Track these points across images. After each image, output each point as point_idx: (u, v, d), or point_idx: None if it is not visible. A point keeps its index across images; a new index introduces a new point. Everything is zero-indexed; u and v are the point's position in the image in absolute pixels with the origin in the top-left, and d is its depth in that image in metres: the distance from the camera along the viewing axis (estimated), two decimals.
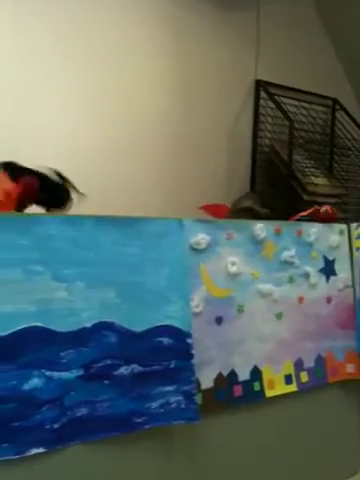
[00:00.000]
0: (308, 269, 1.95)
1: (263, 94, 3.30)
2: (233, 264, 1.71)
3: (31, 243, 1.35)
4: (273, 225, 1.87)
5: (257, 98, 3.30)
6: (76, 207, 1.77)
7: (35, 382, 1.34)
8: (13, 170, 1.55)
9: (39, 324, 1.35)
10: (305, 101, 3.48)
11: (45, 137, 2.39)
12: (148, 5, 2.79)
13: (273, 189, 3.07)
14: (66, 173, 1.81)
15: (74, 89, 2.52)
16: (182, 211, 1.98)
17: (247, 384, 1.73)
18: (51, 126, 2.43)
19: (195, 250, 1.64)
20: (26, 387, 1.32)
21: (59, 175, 1.74)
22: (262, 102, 3.29)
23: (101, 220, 1.48)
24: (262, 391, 1.76)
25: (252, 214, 2.25)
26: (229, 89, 3.14)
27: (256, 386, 1.75)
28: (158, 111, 2.82)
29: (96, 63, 2.59)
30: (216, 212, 2.35)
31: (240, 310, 1.73)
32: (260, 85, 3.29)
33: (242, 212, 2.31)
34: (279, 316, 1.85)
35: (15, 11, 2.34)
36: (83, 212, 1.54)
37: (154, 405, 1.50)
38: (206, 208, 2.44)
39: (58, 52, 2.46)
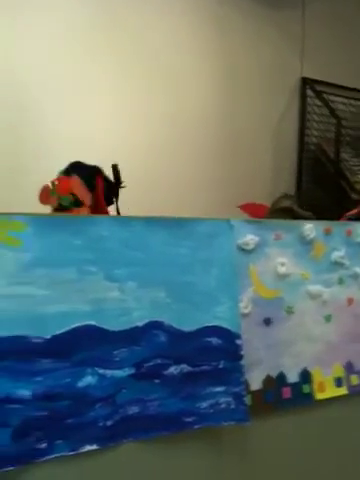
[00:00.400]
0: (358, 270, 1.91)
1: (309, 92, 3.26)
2: (282, 265, 1.70)
3: (85, 243, 1.38)
4: (323, 225, 1.84)
5: (303, 96, 3.26)
6: (125, 207, 1.79)
7: (89, 380, 1.37)
8: (83, 173, 1.54)
9: (93, 323, 1.38)
10: (352, 98, 3.41)
11: (92, 137, 2.44)
12: (193, 4, 2.81)
13: (320, 188, 3.02)
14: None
15: (120, 90, 2.56)
16: (228, 211, 1.98)
17: (296, 386, 1.71)
18: (98, 126, 2.48)
19: (243, 251, 1.64)
20: (80, 384, 1.36)
21: (116, 172, 1.70)
22: (308, 100, 3.26)
23: (151, 221, 1.50)
24: (312, 394, 1.74)
25: (291, 214, 2.22)
26: (275, 87, 3.12)
27: (305, 388, 1.73)
28: (204, 111, 2.83)
29: (141, 63, 2.63)
30: (255, 212, 2.31)
31: (289, 311, 1.72)
32: (306, 83, 3.25)
33: (280, 212, 2.27)
34: (328, 318, 1.82)
35: (66, 12, 2.39)
36: (130, 212, 1.56)
37: (204, 405, 1.51)
38: (245, 208, 2.39)
39: (105, 52, 2.50)
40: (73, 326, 1.36)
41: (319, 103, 3.19)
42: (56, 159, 1.96)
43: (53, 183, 1.52)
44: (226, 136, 2.89)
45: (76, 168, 1.49)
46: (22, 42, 2.31)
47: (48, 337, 1.32)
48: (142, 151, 2.55)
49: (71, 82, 2.40)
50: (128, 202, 1.67)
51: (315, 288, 1.79)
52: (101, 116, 2.48)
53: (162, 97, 2.67)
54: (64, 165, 1.65)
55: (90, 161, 1.70)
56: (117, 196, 1.66)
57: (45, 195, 1.48)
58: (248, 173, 2.95)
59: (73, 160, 1.61)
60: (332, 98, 3.24)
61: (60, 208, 1.58)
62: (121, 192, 1.68)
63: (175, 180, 2.67)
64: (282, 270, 1.70)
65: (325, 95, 3.19)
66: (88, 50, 2.45)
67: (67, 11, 2.40)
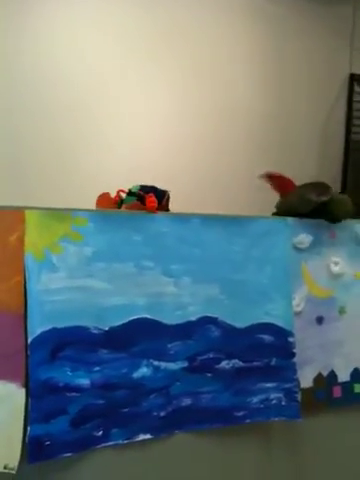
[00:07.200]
0: None
1: (357, 88, 3.20)
2: (336, 264, 1.69)
3: (144, 239, 1.42)
4: None
5: (351, 92, 3.21)
6: (178, 204, 1.81)
7: (144, 371, 1.41)
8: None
9: (149, 316, 1.42)
10: None
11: (141, 135, 2.47)
12: (242, 2, 2.80)
13: None
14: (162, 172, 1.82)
15: (168, 88, 2.59)
16: (272, 209, 1.97)
17: (347, 385, 1.71)
18: (154, 126, 2.51)
19: (298, 249, 1.64)
20: (136, 375, 1.40)
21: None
22: (356, 96, 3.20)
23: (207, 218, 1.52)
24: None
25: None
26: (323, 83, 3.07)
27: (357, 388, 1.72)
28: (251, 107, 2.82)
29: (190, 61, 2.64)
30: (281, 186, 2.00)
31: (342, 311, 1.71)
32: (354, 79, 3.20)
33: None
34: None
35: (107, 9, 2.43)
36: (184, 210, 1.58)
37: (254, 400, 1.53)
38: (272, 178, 1.95)
39: (153, 49, 2.53)
40: (130, 319, 1.40)
41: None
42: (113, 156, 2.00)
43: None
44: (273, 132, 2.87)
45: (152, 190, 1.55)
46: (79, 45, 2.36)
47: (106, 329, 1.37)
48: (187, 149, 2.59)
49: (113, 80, 2.44)
50: (183, 200, 1.69)
51: None
52: (156, 117, 2.52)
53: (210, 94, 2.66)
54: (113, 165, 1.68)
55: (145, 161, 1.72)
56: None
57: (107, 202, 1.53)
58: (294, 170, 2.90)
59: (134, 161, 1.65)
60: None
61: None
62: (176, 189, 1.71)
63: (219, 177, 2.68)
64: (336, 269, 1.69)
65: None
66: (144, 54, 2.49)
67: (108, 8, 2.43)
